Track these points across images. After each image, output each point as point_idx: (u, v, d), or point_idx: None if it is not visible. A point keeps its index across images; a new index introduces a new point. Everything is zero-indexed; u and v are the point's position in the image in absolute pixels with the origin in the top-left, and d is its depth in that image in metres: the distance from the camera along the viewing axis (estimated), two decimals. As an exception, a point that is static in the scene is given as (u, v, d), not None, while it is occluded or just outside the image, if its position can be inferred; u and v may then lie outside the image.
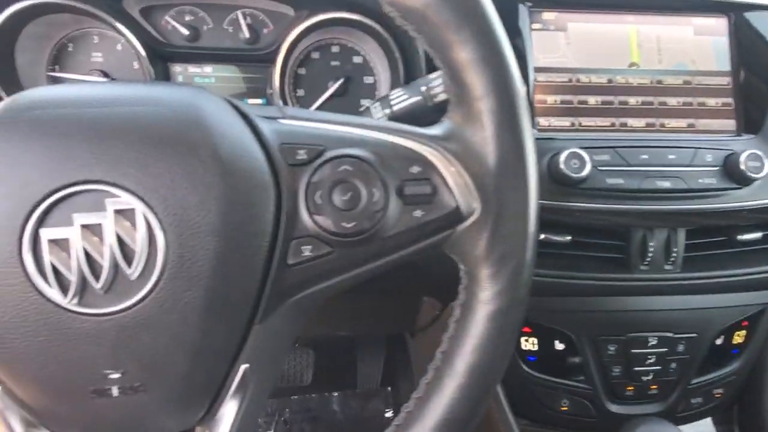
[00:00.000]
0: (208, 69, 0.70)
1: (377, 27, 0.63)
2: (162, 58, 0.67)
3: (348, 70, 0.70)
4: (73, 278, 0.30)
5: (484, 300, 0.35)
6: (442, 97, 0.48)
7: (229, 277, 0.32)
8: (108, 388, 0.32)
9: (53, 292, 0.30)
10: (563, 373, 0.69)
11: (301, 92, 0.70)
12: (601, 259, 0.64)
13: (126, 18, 0.63)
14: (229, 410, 0.34)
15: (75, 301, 0.30)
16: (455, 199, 0.35)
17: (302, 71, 0.70)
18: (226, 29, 0.68)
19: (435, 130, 0.36)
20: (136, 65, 0.67)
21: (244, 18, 0.68)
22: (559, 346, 0.68)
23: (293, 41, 0.65)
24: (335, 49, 0.70)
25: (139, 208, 0.30)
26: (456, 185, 0.35)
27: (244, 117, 0.35)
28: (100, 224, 0.30)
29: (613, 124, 0.64)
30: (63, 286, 0.30)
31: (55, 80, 0.66)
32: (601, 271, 0.64)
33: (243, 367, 0.34)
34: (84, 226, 0.30)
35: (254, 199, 0.32)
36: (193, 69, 0.69)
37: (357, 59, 0.70)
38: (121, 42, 0.66)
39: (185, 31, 0.67)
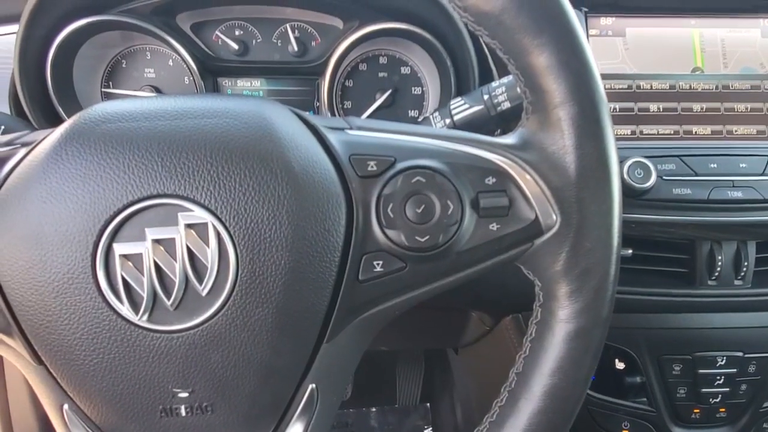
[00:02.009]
0: (256, 83, 0.70)
1: (428, 37, 0.62)
2: (212, 73, 0.68)
3: (395, 81, 0.69)
4: (144, 294, 0.29)
5: (564, 319, 0.33)
6: (506, 105, 0.47)
7: (299, 294, 0.31)
8: (176, 407, 0.31)
9: (125, 309, 0.29)
10: (624, 394, 0.65)
11: (348, 104, 0.70)
12: (664, 274, 0.61)
13: (178, 34, 0.64)
14: (295, 431, 0.33)
15: (146, 317, 0.30)
16: (533, 211, 0.33)
17: (349, 83, 0.69)
18: (275, 43, 0.68)
19: (509, 139, 0.34)
20: (186, 80, 0.68)
21: (293, 31, 0.68)
22: (620, 365, 0.65)
23: (342, 53, 0.64)
24: (383, 60, 0.69)
25: (211, 222, 0.30)
26: (534, 197, 0.33)
27: (312, 128, 0.34)
28: (172, 239, 0.29)
29: (676, 132, 0.61)
30: (134, 302, 0.29)
31: (109, 96, 0.67)
32: (665, 287, 0.61)
33: (310, 386, 0.33)
34: (156, 241, 0.29)
35: (326, 212, 0.31)
36: (242, 83, 0.70)
37: (404, 70, 0.69)
38: (173, 58, 0.67)
39: (235, 46, 0.67)
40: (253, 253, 0.30)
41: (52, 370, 0.31)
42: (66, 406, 0.32)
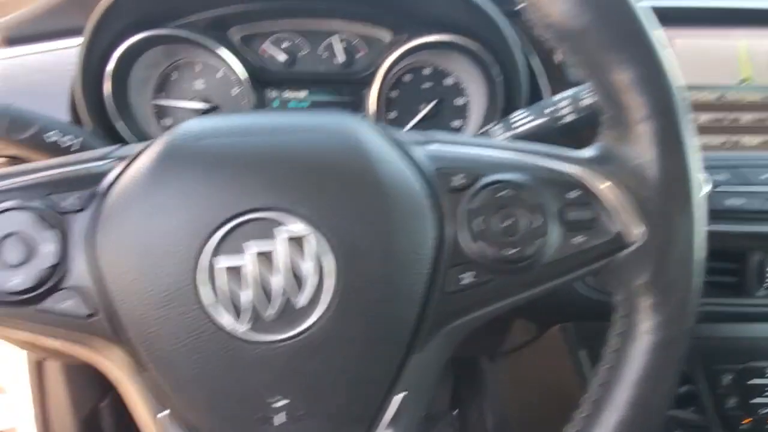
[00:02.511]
0: (302, 93, 0.71)
1: (479, 49, 0.63)
2: (260, 84, 0.69)
3: (439, 92, 0.70)
4: (245, 306, 0.30)
5: (648, 330, 0.33)
6: (570, 118, 0.47)
7: (392, 305, 0.31)
8: (272, 416, 0.31)
9: (227, 321, 0.30)
10: (673, 403, 0.65)
11: (393, 114, 0.71)
12: (714, 284, 0.61)
13: (230, 47, 0.65)
14: None
15: (246, 329, 0.30)
16: (617, 224, 0.33)
17: (394, 94, 0.70)
18: (321, 54, 0.69)
19: (589, 153, 0.35)
20: (234, 91, 0.69)
21: (339, 43, 0.69)
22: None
23: (390, 65, 0.65)
24: (426, 71, 0.70)
25: (309, 235, 0.30)
26: (617, 210, 0.33)
27: (395, 142, 0.35)
28: (271, 252, 0.30)
29: (725, 143, 0.62)
30: (235, 314, 0.30)
31: (160, 108, 0.69)
32: (714, 296, 0.61)
33: (398, 397, 0.33)
34: (256, 254, 0.30)
35: (415, 225, 0.32)
36: (288, 94, 0.71)
37: (448, 81, 0.70)
38: (222, 69, 0.69)
39: (282, 57, 0.68)
40: (350, 266, 0.31)
41: (155, 377, 0.32)
42: (164, 413, 0.32)
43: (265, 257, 0.30)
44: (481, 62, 0.64)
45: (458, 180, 0.33)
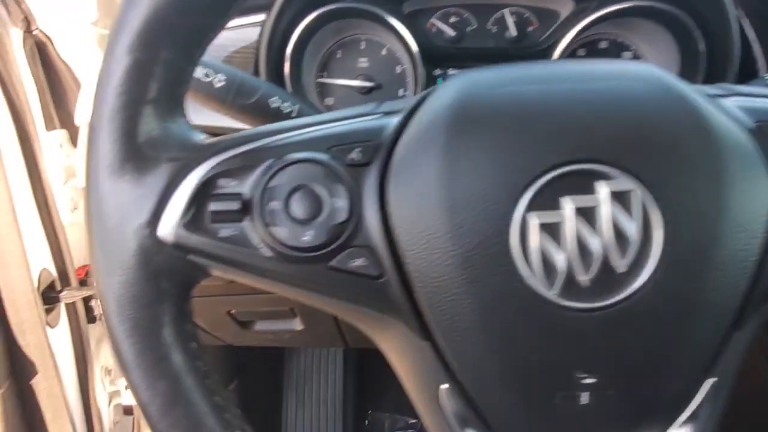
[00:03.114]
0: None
1: (682, 16, 0.57)
2: (426, 61, 0.67)
3: (615, 67, 0.65)
4: (560, 267, 0.27)
5: None
6: None
7: (723, 273, 0.27)
8: (578, 394, 0.28)
9: (537, 281, 0.27)
10: None
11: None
12: None
13: (404, 20, 0.63)
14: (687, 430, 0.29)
15: (558, 292, 0.27)
16: None
17: (567, 69, 0.66)
18: (490, 29, 0.66)
19: None
20: (398, 69, 0.67)
21: (511, 16, 0.65)
22: None
23: (574, 37, 0.61)
24: (602, 45, 0.65)
25: (637, 190, 0.27)
26: None
27: (707, 95, 0.30)
28: (592, 208, 0.27)
29: None
30: (548, 274, 0.27)
31: (323, 86, 0.68)
32: None
33: (709, 381, 0.29)
34: (575, 210, 0.27)
35: (749, 183, 0.28)
36: (452, 71, 0.68)
37: (626, 55, 0.65)
38: (387, 47, 0.67)
39: (451, 32, 0.65)
40: (680, 227, 0.27)
41: (440, 347, 0.29)
42: (445, 386, 0.30)
43: (585, 214, 0.27)
44: (681, 31, 0.58)
45: None
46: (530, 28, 0.65)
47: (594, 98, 0.28)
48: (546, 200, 0.27)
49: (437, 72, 0.68)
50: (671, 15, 0.57)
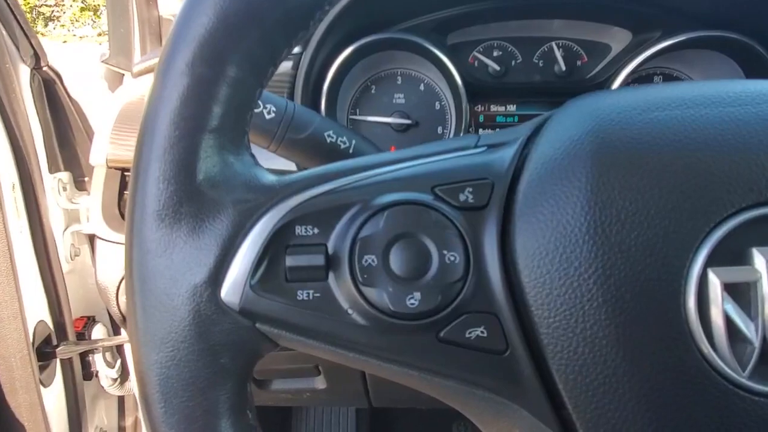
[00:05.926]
0: (511, 107, 0.63)
1: (754, 44, 0.53)
2: (467, 96, 0.62)
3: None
4: (752, 341, 0.21)
5: None
6: None
7: None
8: None
9: (722, 361, 0.21)
10: None
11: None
12: None
13: (448, 53, 0.59)
14: None
15: (750, 374, 0.21)
16: None
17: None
18: (536, 63, 0.62)
19: None
20: (437, 105, 0.63)
21: (558, 49, 0.61)
22: None
23: (632, 71, 0.57)
24: (657, 80, 0.62)
25: None
26: None
27: None
28: None
29: None
30: (735, 351, 0.21)
31: (355, 123, 0.63)
32: None
33: None
34: None
35: None
36: (495, 108, 0.64)
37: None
38: (424, 82, 0.62)
39: (496, 66, 0.61)
40: None
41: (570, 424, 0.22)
42: None
43: None
44: (749, 60, 0.54)
45: None
46: (579, 62, 0.61)
47: (753, 124, 0.23)
48: (731, 253, 0.21)
49: (479, 108, 0.63)
50: (741, 44, 0.53)
